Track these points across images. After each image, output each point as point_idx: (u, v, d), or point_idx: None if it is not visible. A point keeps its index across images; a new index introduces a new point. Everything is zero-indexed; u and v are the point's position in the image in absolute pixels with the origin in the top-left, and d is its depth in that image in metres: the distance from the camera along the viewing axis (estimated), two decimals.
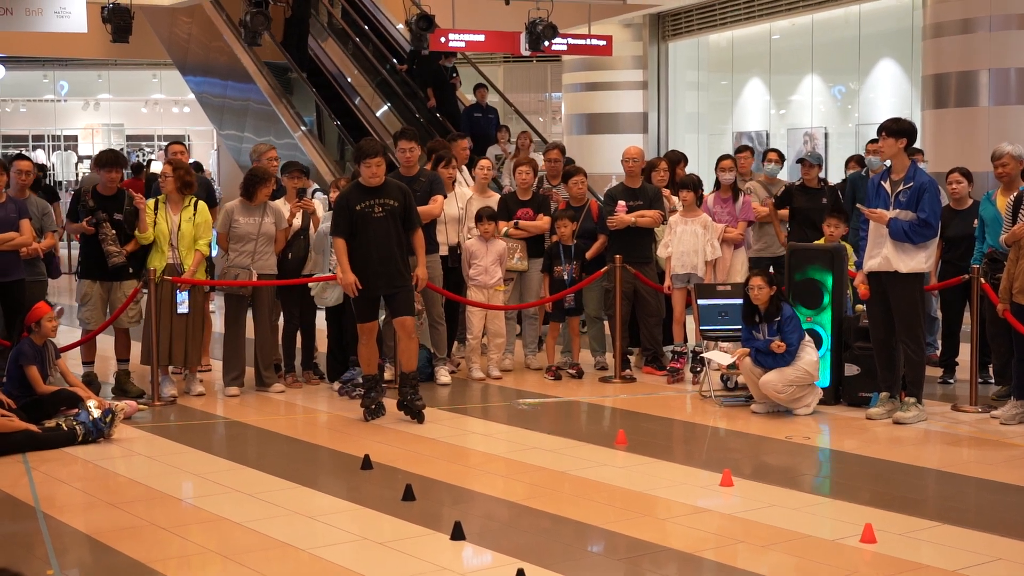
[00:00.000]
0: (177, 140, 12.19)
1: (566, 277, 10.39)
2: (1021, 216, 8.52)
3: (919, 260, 8.49)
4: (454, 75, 18.34)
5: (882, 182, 8.65)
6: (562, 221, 10.41)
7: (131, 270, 9.73)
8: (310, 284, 9.89)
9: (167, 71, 28.64)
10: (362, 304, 8.81)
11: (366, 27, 19.26)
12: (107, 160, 9.81)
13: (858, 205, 8.92)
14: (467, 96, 18.15)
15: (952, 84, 14.12)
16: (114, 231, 9.55)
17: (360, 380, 9.55)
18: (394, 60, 18.93)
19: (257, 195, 9.68)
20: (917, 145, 12.34)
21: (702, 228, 10.25)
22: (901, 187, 8.49)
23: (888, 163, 8.72)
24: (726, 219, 10.65)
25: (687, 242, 10.20)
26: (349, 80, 18.42)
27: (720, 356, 9.45)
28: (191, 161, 16.80)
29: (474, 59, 20.33)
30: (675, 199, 10.74)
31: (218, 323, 10.88)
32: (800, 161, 11.11)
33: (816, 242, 9.93)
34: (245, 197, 9.73)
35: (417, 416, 8.72)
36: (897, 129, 8.54)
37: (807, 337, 8.92)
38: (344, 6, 19.42)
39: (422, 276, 9.00)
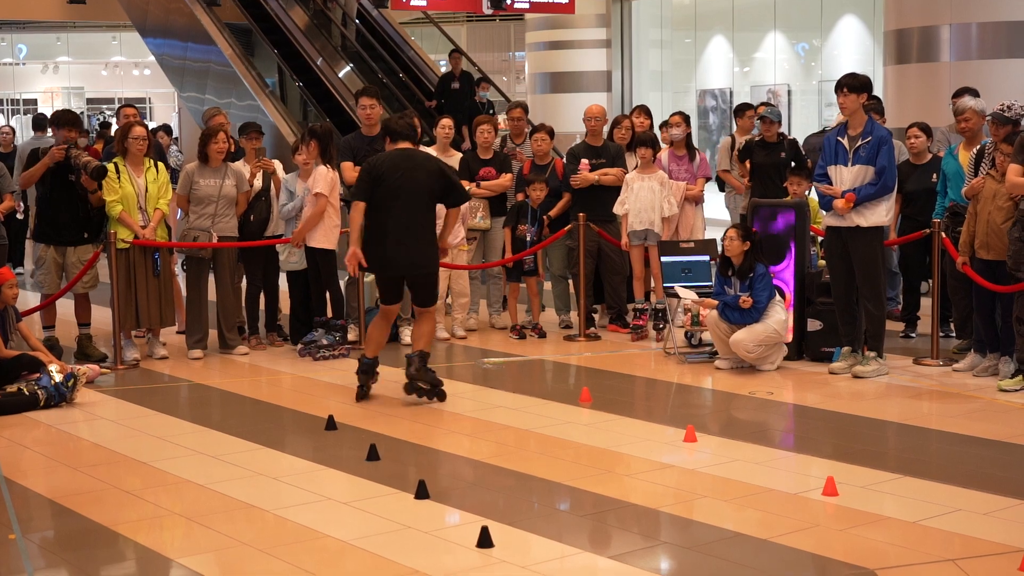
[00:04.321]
0: (130, 104, 12.05)
1: (528, 238, 10.36)
2: (983, 169, 8.57)
3: (879, 213, 8.54)
4: (492, 112, 16.54)
5: (839, 138, 8.67)
6: (538, 184, 10.36)
7: (86, 235, 9.63)
8: (278, 247, 9.85)
9: (127, 33, 28.34)
10: (383, 284, 8.25)
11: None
12: (68, 119, 9.70)
13: (816, 186, 8.84)
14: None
15: (914, 39, 14.12)
16: (88, 157, 9.37)
17: (324, 342, 9.54)
18: (356, 21, 18.75)
19: (209, 154, 9.58)
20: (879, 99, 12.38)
21: (659, 184, 10.24)
22: (860, 142, 8.53)
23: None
24: (684, 176, 10.65)
25: (644, 199, 10.20)
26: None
27: (688, 292, 9.45)
28: (161, 124, 16.70)
29: (436, 19, 20.19)
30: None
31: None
32: (762, 118, 11.11)
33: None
34: (200, 159, 9.65)
35: (439, 394, 8.10)
36: (858, 85, 8.57)
37: (777, 296, 8.94)
38: None
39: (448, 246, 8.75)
